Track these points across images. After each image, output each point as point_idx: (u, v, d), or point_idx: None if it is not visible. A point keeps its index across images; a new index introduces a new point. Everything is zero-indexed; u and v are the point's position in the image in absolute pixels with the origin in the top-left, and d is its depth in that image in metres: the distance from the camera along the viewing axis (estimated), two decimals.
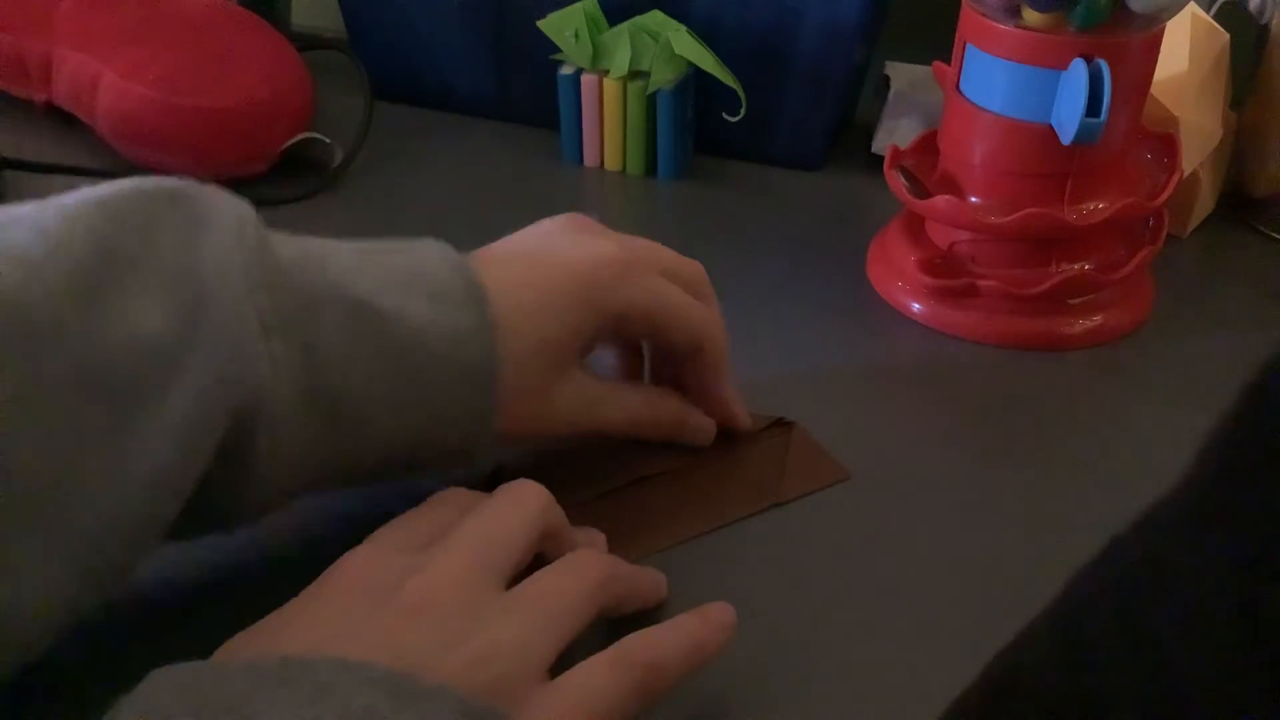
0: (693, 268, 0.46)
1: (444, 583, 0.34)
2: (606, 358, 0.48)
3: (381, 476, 0.41)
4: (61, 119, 0.69)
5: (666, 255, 0.45)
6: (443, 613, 0.33)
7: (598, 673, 0.34)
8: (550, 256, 0.43)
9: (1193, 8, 0.60)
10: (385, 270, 0.39)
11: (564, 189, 0.68)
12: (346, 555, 0.36)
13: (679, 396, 0.47)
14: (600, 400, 0.44)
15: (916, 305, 0.56)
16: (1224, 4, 0.63)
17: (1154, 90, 0.55)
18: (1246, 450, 0.20)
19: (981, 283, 0.54)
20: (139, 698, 0.29)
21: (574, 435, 0.44)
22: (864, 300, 0.58)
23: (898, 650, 0.40)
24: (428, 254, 0.40)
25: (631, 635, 0.35)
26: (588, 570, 0.36)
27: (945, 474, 0.47)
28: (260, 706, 0.28)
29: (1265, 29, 0.61)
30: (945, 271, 0.56)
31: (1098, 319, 0.55)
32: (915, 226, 0.59)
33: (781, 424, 0.49)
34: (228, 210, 0.36)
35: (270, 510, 0.38)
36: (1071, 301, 0.55)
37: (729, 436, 0.48)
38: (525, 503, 0.38)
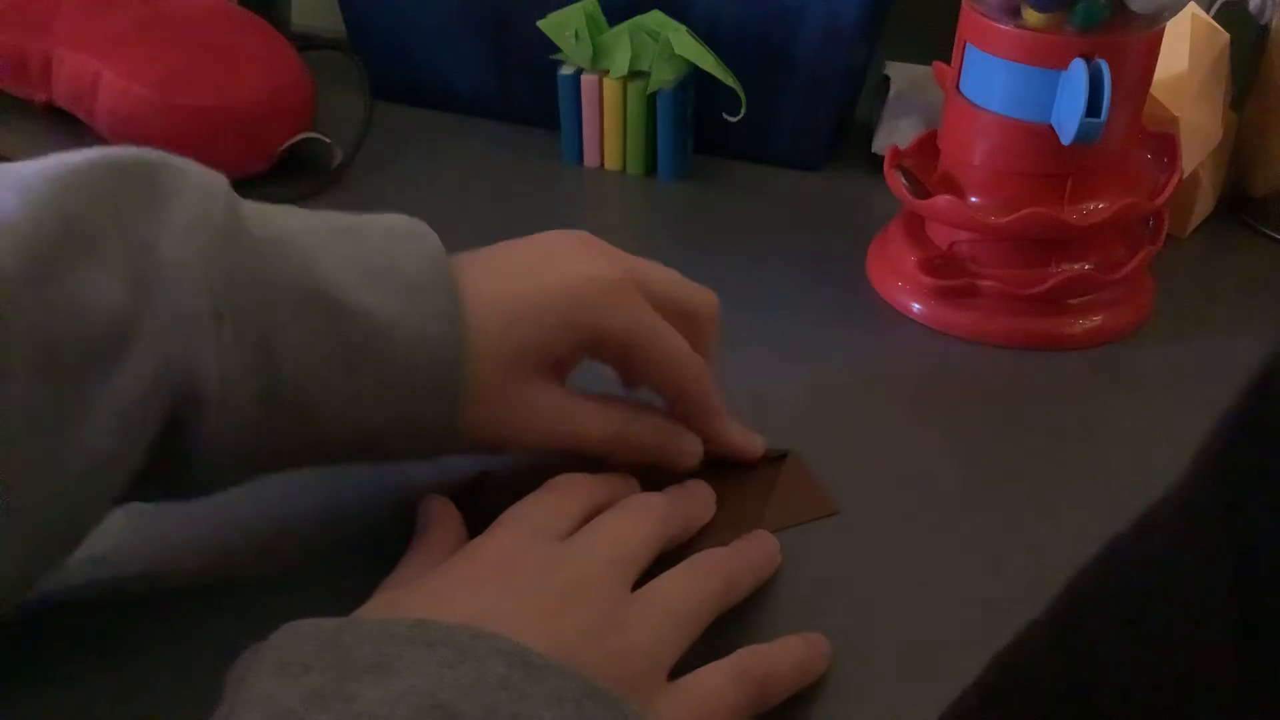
0: (703, 297, 0.44)
1: (588, 579, 0.36)
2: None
3: (343, 463, 0.41)
4: (61, 119, 0.69)
5: (673, 280, 0.43)
6: (588, 608, 0.35)
7: (716, 681, 0.36)
8: (539, 265, 0.41)
9: (1193, 8, 0.60)
10: (358, 258, 0.38)
11: (564, 189, 0.68)
12: (488, 538, 0.37)
13: (665, 415, 0.44)
14: (573, 415, 0.42)
15: (916, 305, 0.56)
16: (1224, 4, 0.63)
17: (1154, 90, 0.55)
18: (1246, 450, 0.20)
19: (981, 283, 0.54)
20: (276, 647, 0.30)
21: (548, 447, 0.42)
22: (864, 300, 0.58)
23: (897, 648, 0.40)
24: (406, 243, 0.39)
25: (746, 649, 0.37)
26: (711, 577, 0.38)
27: (944, 473, 0.47)
28: (399, 665, 0.30)
29: (1265, 29, 0.61)
30: (945, 271, 0.56)
31: (1098, 319, 0.55)
32: (915, 226, 0.59)
33: (778, 454, 0.47)
34: (198, 184, 0.36)
35: (223, 488, 0.38)
36: (1071, 301, 0.55)
37: (719, 459, 0.46)
38: (651, 513, 0.39)
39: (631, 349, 0.41)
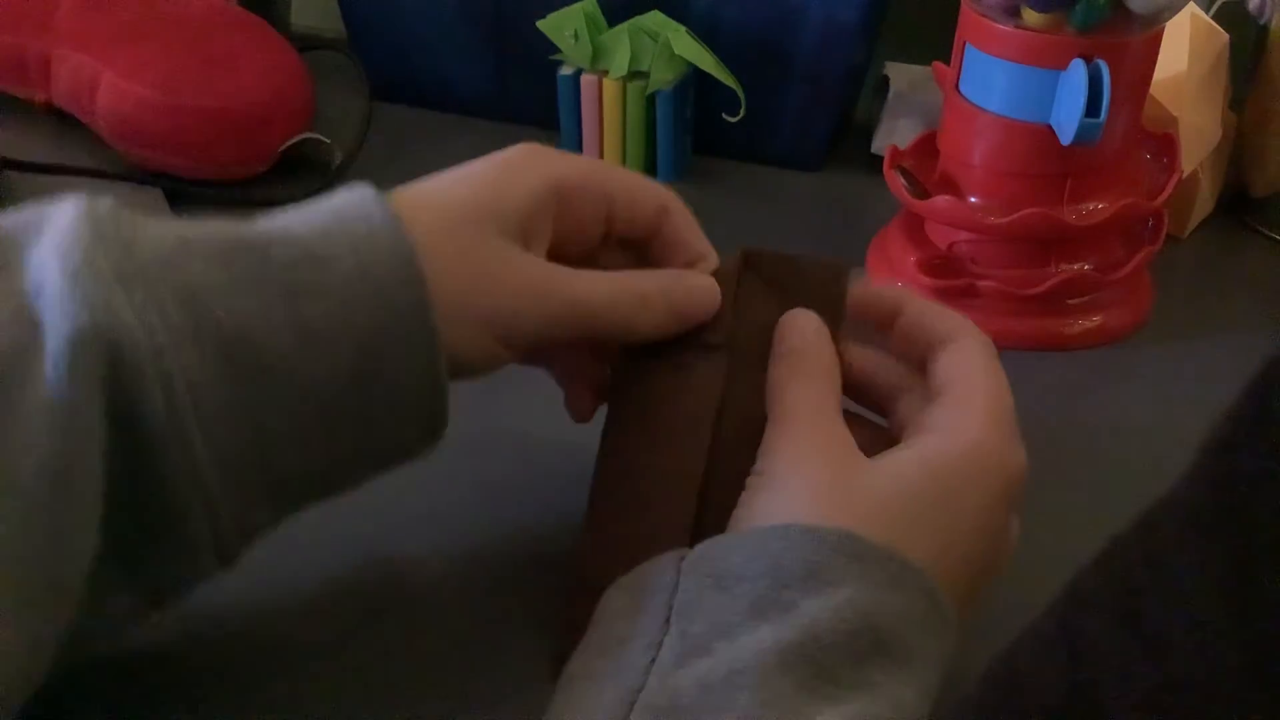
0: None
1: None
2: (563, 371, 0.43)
3: (337, 478, 0.36)
4: (61, 119, 0.69)
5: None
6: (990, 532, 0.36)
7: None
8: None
9: (1193, 8, 0.60)
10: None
11: None
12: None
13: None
14: (569, 275, 0.37)
15: None
16: (1224, 4, 0.63)
17: (1154, 90, 0.55)
18: (1246, 451, 0.20)
19: (981, 283, 0.54)
20: (706, 559, 0.31)
21: (549, 323, 0.37)
22: None
23: None
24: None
25: None
26: None
27: None
28: (831, 576, 0.30)
29: (1265, 29, 0.61)
30: (945, 271, 0.56)
31: (1098, 319, 0.55)
32: (915, 226, 0.59)
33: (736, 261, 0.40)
34: (67, 209, 0.32)
35: (240, 545, 0.34)
36: (1071, 301, 0.55)
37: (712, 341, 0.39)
38: None
39: (598, 179, 0.39)
